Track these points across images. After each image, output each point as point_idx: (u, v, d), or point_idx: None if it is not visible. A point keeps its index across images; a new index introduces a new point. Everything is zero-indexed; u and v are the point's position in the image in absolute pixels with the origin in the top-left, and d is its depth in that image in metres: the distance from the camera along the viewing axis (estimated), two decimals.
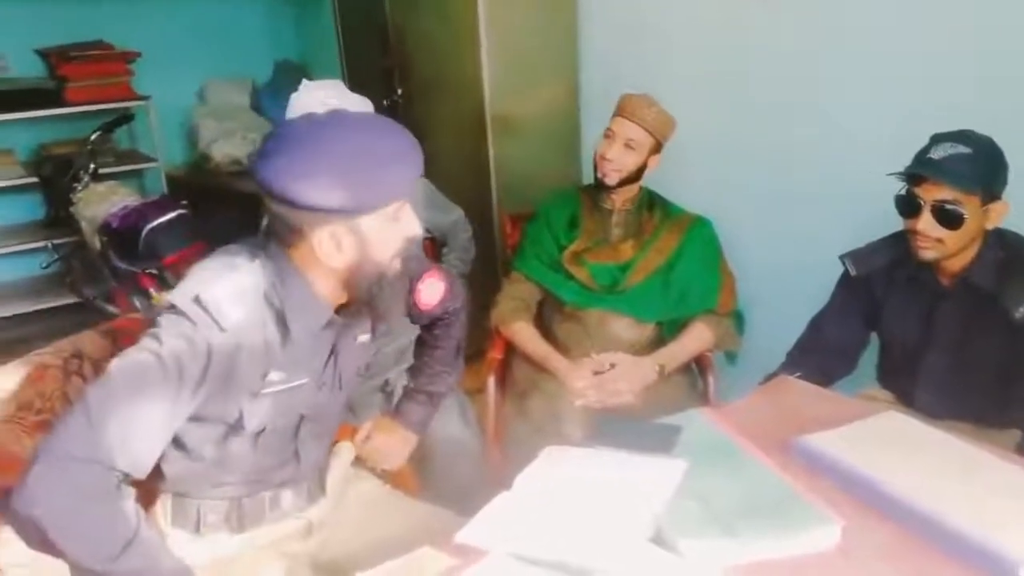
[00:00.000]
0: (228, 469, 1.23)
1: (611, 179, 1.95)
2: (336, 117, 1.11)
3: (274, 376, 1.17)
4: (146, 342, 1.07)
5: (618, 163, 1.93)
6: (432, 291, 1.43)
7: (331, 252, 1.10)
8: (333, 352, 1.25)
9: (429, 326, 1.56)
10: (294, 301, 1.13)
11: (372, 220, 1.09)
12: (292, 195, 1.04)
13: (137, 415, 1.03)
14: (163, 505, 1.27)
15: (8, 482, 1.10)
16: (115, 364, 1.05)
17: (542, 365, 1.95)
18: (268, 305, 1.13)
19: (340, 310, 1.22)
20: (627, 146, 1.92)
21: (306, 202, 1.04)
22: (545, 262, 2.05)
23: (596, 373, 1.86)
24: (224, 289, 1.09)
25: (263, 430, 1.21)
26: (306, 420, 1.27)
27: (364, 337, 1.34)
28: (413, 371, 1.61)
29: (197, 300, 1.07)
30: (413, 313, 1.46)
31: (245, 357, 1.11)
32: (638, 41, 2.68)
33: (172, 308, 1.08)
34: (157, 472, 1.19)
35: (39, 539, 1.00)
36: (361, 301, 1.18)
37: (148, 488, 1.25)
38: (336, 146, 1.06)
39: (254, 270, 1.13)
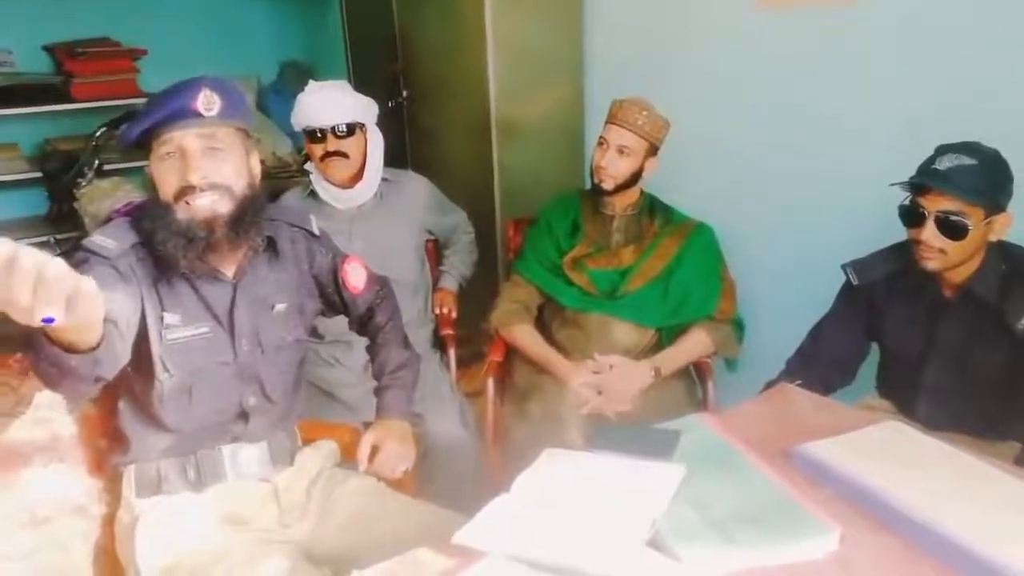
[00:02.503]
0: (176, 431, 1.33)
1: (607, 184, 1.96)
2: None
3: (171, 318, 1.29)
4: None
5: (612, 169, 1.94)
6: (356, 273, 1.54)
7: (150, 186, 1.30)
8: (233, 307, 1.34)
9: (369, 316, 1.61)
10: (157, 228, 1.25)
11: (153, 159, 1.27)
12: None
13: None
14: (128, 478, 1.35)
15: (10, 473, 1.12)
16: None
17: (543, 367, 1.95)
18: (139, 234, 1.28)
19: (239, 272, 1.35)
20: (620, 152, 1.93)
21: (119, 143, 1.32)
22: (546, 266, 2.05)
23: (595, 373, 1.87)
24: (101, 232, 1.29)
25: (192, 384, 1.31)
26: (244, 381, 1.36)
27: (281, 307, 1.41)
28: (376, 374, 1.61)
29: (81, 246, 1.26)
30: (350, 304, 1.56)
31: (132, 282, 1.26)
32: (643, 46, 2.69)
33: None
34: (120, 445, 1.33)
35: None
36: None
37: (111, 466, 1.37)
38: None
39: (126, 218, 1.32)
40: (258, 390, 1.39)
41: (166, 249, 1.24)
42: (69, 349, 0.99)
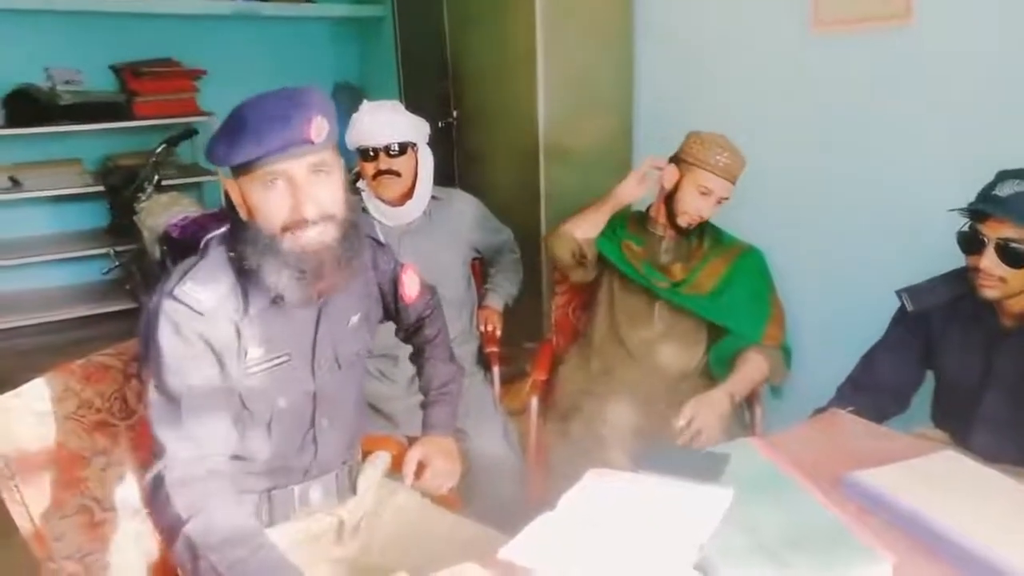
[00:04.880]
0: (251, 459, 1.29)
1: (693, 225, 1.97)
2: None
3: (254, 352, 1.23)
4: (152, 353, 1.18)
5: (707, 215, 1.96)
6: (412, 282, 1.51)
7: (238, 204, 1.21)
8: (317, 329, 1.30)
9: (418, 327, 1.60)
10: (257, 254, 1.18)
11: (249, 182, 1.17)
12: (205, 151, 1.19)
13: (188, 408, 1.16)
14: None
15: (70, 475, 1.16)
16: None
17: (607, 208, 1.98)
18: (236, 273, 1.22)
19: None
20: (719, 202, 1.94)
21: (206, 155, 1.18)
22: (603, 234, 2.02)
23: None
24: (194, 278, 1.19)
25: (271, 417, 1.27)
26: (319, 404, 1.33)
27: (355, 318, 1.38)
28: (423, 388, 1.62)
29: (172, 296, 1.17)
30: (402, 312, 1.54)
31: (228, 331, 1.20)
32: (693, 71, 2.69)
33: (160, 309, 1.17)
34: None
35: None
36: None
37: None
38: (240, 110, 1.17)
39: (221, 248, 1.24)
40: (330, 410, 1.36)
41: (278, 284, 1.17)
42: None
